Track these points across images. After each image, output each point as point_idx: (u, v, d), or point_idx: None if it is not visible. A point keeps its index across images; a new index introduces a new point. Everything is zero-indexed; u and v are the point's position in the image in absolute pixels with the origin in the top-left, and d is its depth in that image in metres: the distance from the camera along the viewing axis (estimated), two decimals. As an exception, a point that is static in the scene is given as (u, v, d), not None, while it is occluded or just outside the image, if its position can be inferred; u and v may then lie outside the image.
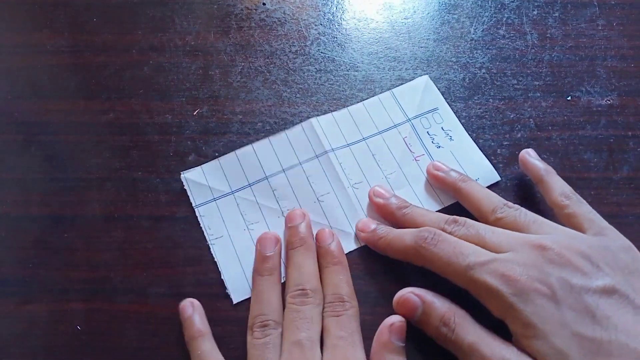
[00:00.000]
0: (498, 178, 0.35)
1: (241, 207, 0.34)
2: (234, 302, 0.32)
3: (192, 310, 0.31)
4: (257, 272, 0.32)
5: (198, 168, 0.35)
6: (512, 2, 0.40)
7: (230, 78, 0.38)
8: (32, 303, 0.32)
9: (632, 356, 0.24)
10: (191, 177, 0.35)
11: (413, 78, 0.38)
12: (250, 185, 0.35)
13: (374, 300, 0.32)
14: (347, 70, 0.38)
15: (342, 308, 0.30)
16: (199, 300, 0.31)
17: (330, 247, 0.32)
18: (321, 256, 0.32)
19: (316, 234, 0.33)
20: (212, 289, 0.32)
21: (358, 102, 0.37)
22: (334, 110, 0.37)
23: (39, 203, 0.35)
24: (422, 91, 0.38)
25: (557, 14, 0.40)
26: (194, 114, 0.37)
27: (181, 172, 0.35)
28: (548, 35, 0.39)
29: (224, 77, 0.38)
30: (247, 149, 0.36)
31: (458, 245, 0.29)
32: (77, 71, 0.39)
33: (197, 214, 0.34)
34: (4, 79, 0.38)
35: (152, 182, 0.35)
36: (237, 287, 0.32)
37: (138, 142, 0.36)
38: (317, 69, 0.38)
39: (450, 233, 0.30)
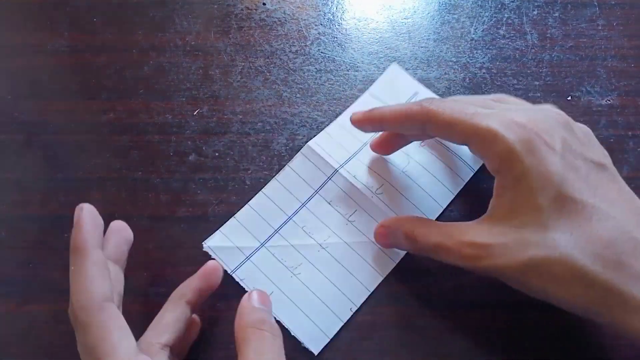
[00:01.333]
0: None
1: (278, 256, 0.33)
2: (316, 353, 0.30)
3: (78, 217, 0.25)
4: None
5: (218, 233, 0.33)
6: (512, 2, 0.40)
7: (230, 78, 0.38)
8: (32, 303, 0.32)
9: (610, 223, 0.25)
10: (215, 244, 0.33)
11: (413, 78, 0.38)
12: (277, 231, 0.33)
13: (374, 300, 0.32)
14: (347, 70, 0.38)
15: (263, 328, 0.26)
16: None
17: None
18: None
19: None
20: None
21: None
22: (333, 111, 0.37)
23: (39, 203, 0.35)
24: (395, 80, 0.37)
25: (557, 14, 0.40)
26: (194, 114, 0.37)
27: (203, 242, 0.33)
28: (548, 35, 0.39)
29: (224, 77, 0.38)
30: (259, 198, 0.34)
31: (466, 102, 0.28)
32: (77, 71, 0.39)
33: (237, 279, 0.32)
34: (4, 79, 0.38)
35: (152, 182, 0.35)
36: (312, 338, 0.31)
37: (138, 142, 0.36)
38: (317, 69, 0.38)
39: None
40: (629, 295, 0.24)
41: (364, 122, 0.32)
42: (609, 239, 0.24)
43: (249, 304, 0.27)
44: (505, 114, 0.27)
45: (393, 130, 0.32)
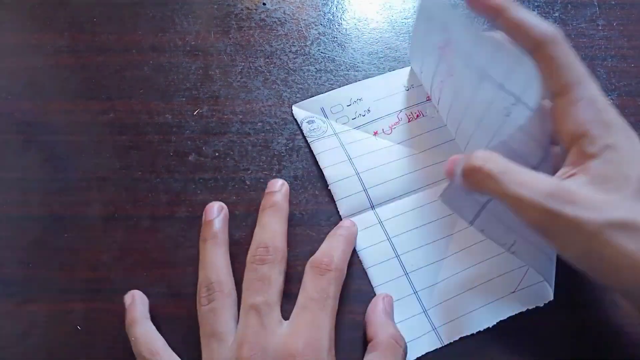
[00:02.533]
0: None
1: None
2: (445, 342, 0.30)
3: (131, 300, 0.30)
4: (201, 238, 0.31)
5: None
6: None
7: (230, 78, 0.38)
8: (32, 303, 0.32)
9: None
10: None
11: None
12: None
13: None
14: (347, 70, 0.38)
15: (326, 267, 0.29)
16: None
17: (343, 225, 0.32)
18: (332, 231, 0.32)
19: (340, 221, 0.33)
20: (212, 289, 0.32)
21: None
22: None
23: (39, 203, 0.35)
24: None
25: (557, 14, 0.40)
26: (194, 114, 0.37)
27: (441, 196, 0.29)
28: (548, 35, 0.39)
29: (224, 77, 0.38)
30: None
31: None
32: (77, 71, 0.39)
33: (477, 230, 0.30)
34: (4, 79, 0.38)
35: (152, 182, 0.35)
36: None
37: (138, 142, 0.36)
38: (317, 69, 0.38)
39: None
40: None
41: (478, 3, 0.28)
42: None
43: (387, 311, 0.30)
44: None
45: (503, 30, 0.28)
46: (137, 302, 0.31)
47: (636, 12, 0.40)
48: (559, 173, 0.26)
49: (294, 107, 0.37)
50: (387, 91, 0.37)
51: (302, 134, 0.36)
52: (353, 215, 0.34)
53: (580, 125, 0.26)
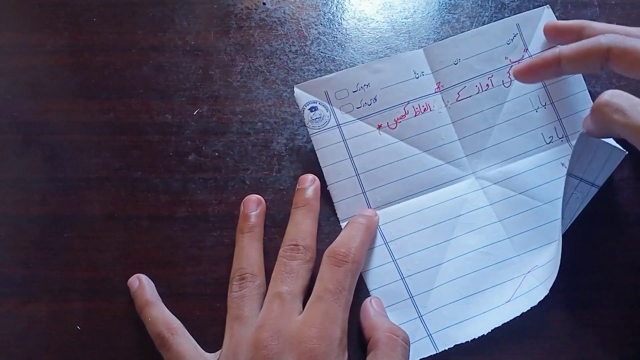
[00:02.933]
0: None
1: None
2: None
3: (139, 283, 0.32)
4: (239, 231, 0.32)
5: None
6: (512, 1, 0.40)
7: (230, 78, 0.38)
8: (32, 303, 0.32)
9: None
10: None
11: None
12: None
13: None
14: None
15: (343, 258, 0.29)
16: (200, 300, 0.31)
17: (364, 214, 0.33)
18: (354, 218, 0.32)
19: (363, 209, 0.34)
20: (212, 288, 0.32)
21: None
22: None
23: (39, 203, 0.35)
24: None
25: (557, 14, 0.40)
26: (194, 113, 0.37)
27: None
28: (548, 35, 0.39)
29: (224, 77, 0.38)
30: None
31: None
32: (77, 71, 0.39)
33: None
34: (3, 78, 0.38)
35: (152, 182, 0.35)
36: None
37: (138, 142, 0.36)
38: (317, 69, 0.38)
39: None
40: None
41: (537, 68, 0.31)
42: None
43: (378, 310, 0.30)
44: None
45: (570, 70, 0.31)
46: (144, 284, 0.32)
47: (636, 12, 0.40)
48: None
49: (296, 88, 0.35)
50: (396, 77, 0.36)
51: (304, 124, 0.35)
52: (349, 219, 0.33)
53: None
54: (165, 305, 0.32)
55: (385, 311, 0.31)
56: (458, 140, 0.35)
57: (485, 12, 0.40)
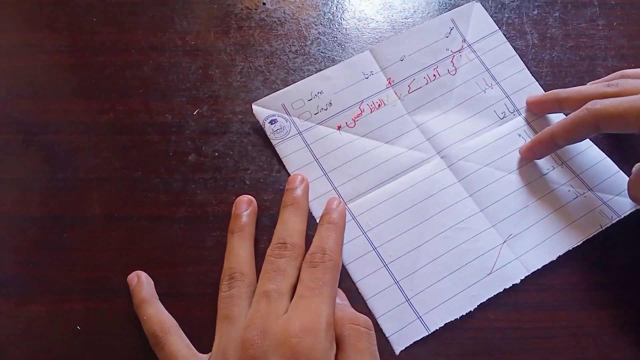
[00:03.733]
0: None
1: None
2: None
3: (137, 280, 0.32)
4: (229, 231, 0.32)
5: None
6: (512, 1, 0.40)
7: (230, 78, 0.38)
8: (32, 303, 0.32)
9: None
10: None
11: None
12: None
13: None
14: (347, 70, 0.38)
15: (320, 259, 0.29)
16: (200, 300, 0.31)
17: (331, 208, 0.33)
18: (321, 218, 0.33)
19: (327, 200, 0.34)
20: (212, 288, 0.32)
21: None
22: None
23: (39, 203, 0.35)
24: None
25: (557, 14, 0.40)
26: (194, 113, 0.37)
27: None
28: (548, 35, 0.39)
29: (224, 77, 0.38)
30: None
31: (620, 90, 0.31)
32: (77, 71, 0.39)
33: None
34: (3, 78, 0.38)
35: (152, 182, 0.35)
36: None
37: (138, 142, 0.36)
38: (317, 69, 0.38)
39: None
40: None
41: (537, 148, 0.34)
42: None
43: (340, 301, 0.31)
44: None
45: (565, 143, 0.33)
46: (143, 282, 0.32)
47: (636, 12, 0.40)
48: None
49: (253, 106, 0.37)
50: (346, 81, 0.38)
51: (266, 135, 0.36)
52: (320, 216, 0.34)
53: None
54: (166, 305, 0.31)
55: (347, 300, 0.31)
56: (416, 127, 0.36)
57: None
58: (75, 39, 0.40)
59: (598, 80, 0.35)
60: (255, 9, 0.41)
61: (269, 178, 0.35)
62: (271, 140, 0.36)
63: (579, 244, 0.32)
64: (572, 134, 0.32)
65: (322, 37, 0.40)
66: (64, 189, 0.35)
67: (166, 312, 0.31)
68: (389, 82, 0.37)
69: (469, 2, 0.40)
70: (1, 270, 0.33)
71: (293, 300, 0.28)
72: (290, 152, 0.36)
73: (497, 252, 0.32)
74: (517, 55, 0.38)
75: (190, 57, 0.39)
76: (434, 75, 0.38)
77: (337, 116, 0.37)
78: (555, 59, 0.39)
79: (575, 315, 0.32)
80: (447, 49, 0.38)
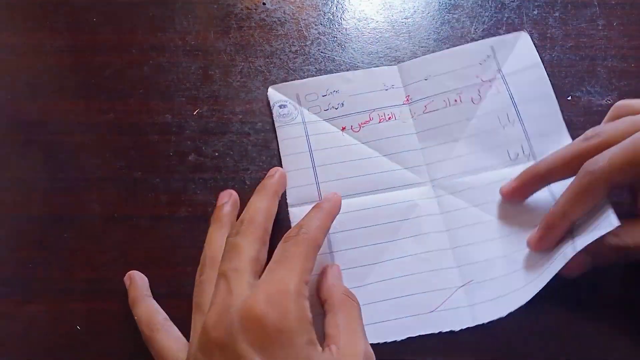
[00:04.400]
0: None
1: None
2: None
3: (130, 282, 0.32)
4: (211, 222, 0.32)
5: None
6: (512, 1, 0.40)
7: (230, 78, 0.38)
8: (32, 303, 0.32)
9: None
10: None
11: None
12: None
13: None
14: (347, 70, 0.38)
15: (294, 233, 0.27)
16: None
17: (326, 197, 0.31)
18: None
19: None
20: (212, 289, 0.32)
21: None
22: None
23: (39, 203, 0.35)
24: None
25: (557, 14, 0.40)
26: (194, 113, 0.37)
27: None
28: (548, 35, 0.39)
29: (224, 77, 0.38)
30: None
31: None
32: (77, 71, 0.39)
33: None
34: (4, 78, 0.38)
35: (152, 182, 0.35)
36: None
37: (138, 142, 0.36)
38: (317, 69, 0.38)
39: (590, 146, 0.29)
40: None
41: (522, 190, 0.32)
42: None
43: (336, 276, 0.30)
44: None
45: (556, 180, 0.31)
46: (136, 282, 0.32)
47: (636, 12, 0.40)
48: None
49: (270, 89, 0.37)
50: (365, 87, 0.37)
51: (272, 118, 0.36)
52: (300, 205, 0.34)
53: None
54: (166, 305, 0.31)
55: (342, 278, 0.31)
56: (420, 149, 0.35)
57: (485, 12, 0.40)
58: (76, 39, 0.40)
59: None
60: (255, 9, 0.41)
61: (269, 178, 0.35)
62: (275, 122, 0.36)
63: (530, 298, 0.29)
64: (586, 204, 0.29)
65: (322, 37, 0.40)
66: (64, 189, 0.35)
67: (155, 307, 0.31)
68: (407, 99, 0.37)
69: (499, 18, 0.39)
70: (1, 270, 0.33)
71: (261, 276, 0.26)
72: (289, 137, 0.36)
73: (449, 293, 0.31)
74: (554, 97, 0.36)
75: (190, 57, 0.39)
76: (455, 100, 0.36)
77: (345, 117, 0.36)
78: (555, 59, 0.38)
79: (575, 315, 0.31)
80: (477, 76, 0.37)
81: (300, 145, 0.35)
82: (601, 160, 0.28)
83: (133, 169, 0.36)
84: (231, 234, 0.28)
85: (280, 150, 0.35)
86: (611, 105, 0.37)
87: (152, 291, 0.32)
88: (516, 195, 0.33)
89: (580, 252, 0.28)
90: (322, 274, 0.31)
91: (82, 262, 0.33)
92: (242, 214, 0.30)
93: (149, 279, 0.33)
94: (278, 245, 0.27)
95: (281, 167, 0.35)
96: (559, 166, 0.30)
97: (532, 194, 0.32)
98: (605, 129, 0.29)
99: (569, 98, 0.37)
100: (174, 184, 0.35)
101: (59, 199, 0.35)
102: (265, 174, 0.35)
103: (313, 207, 0.30)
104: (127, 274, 0.32)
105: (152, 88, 0.38)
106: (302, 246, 0.27)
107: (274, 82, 0.38)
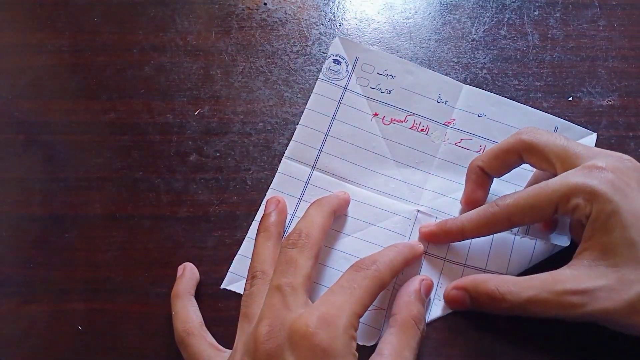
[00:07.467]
0: None
1: None
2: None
3: (181, 272, 0.32)
4: (258, 231, 0.32)
5: (229, 274, 0.33)
6: (513, 2, 0.40)
7: (231, 78, 0.38)
8: (32, 303, 0.32)
9: None
10: (232, 285, 0.33)
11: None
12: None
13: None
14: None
15: (365, 267, 0.28)
16: (201, 300, 0.31)
17: (412, 243, 0.32)
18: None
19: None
20: (213, 289, 0.32)
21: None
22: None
23: (40, 203, 0.35)
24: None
25: (558, 15, 0.40)
26: (195, 114, 0.37)
27: (222, 287, 0.33)
28: (549, 35, 0.39)
29: (225, 77, 0.38)
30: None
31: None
32: (78, 71, 0.39)
33: None
34: (4, 78, 0.38)
35: (153, 182, 0.35)
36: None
37: (139, 142, 0.36)
38: (319, 69, 0.38)
39: None
40: None
41: (436, 238, 0.33)
42: None
43: (420, 293, 0.30)
44: (587, 164, 0.28)
45: (491, 172, 0.32)
46: (185, 276, 0.32)
47: (637, 13, 0.40)
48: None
49: (337, 38, 0.37)
50: (420, 89, 0.36)
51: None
52: (294, 160, 0.35)
53: None
54: (166, 306, 0.31)
55: (427, 299, 0.30)
56: (431, 174, 0.35)
57: (486, 12, 0.40)
58: (76, 39, 0.40)
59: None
60: (257, 9, 0.41)
61: (271, 178, 0.35)
62: (320, 73, 0.36)
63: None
64: (483, 231, 0.31)
65: (323, 37, 0.40)
66: (65, 189, 0.35)
67: (193, 309, 0.31)
68: (450, 122, 0.36)
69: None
70: (2, 270, 0.33)
71: (322, 296, 0.27)
72: (323, 94, 0.36)
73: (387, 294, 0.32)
74: None
75: (191, 57, 0.39)
76: None
77: (383, 105, 0.36)
78: (556, 59, 0.39)
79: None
80: None
81: (327, 107, 0.36)
82: (509, 198, 0.30)
83: (134, 169, 0.36)
84: (287, 244, 0.29)
85: (308, 101, 0.36)
86: (612, 105, 0.37)
87: (152, 291, 0.32)
88: (432, 240, 0.33)
89: (461, 289, 0.30)
90: (409, 282, 0.30)
91: (83, 262, 0.33)
92: (298, 223, 0.30)
93: (149, 279, 0.33)
94: (347, 270, 0.28)
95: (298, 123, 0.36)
96: (472, 228, 0.31)
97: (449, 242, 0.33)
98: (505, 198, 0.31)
99: (570, 99, 0.37)
100: (175, 184, 0.35)
101: (60, 199, 0.35)
102: (267, 174, 0.35)
103: (391, 246, 0.31)
104: (182, 264, 0.32)
105: (153, 88, 0.38)
106: (370, 281, 0.27)
107: (275, 82, 0.38)
